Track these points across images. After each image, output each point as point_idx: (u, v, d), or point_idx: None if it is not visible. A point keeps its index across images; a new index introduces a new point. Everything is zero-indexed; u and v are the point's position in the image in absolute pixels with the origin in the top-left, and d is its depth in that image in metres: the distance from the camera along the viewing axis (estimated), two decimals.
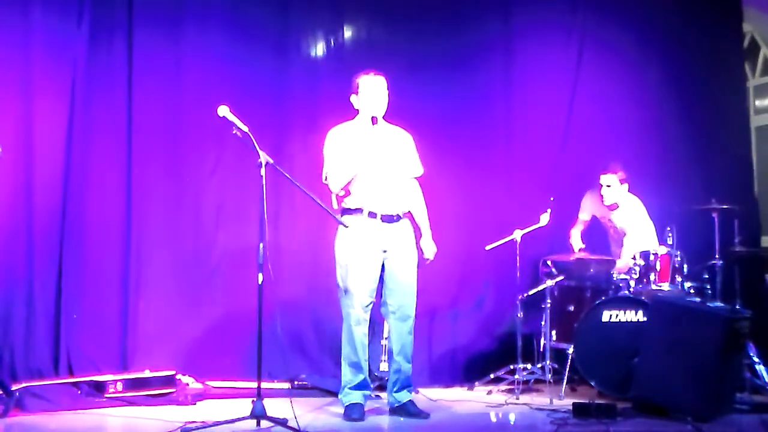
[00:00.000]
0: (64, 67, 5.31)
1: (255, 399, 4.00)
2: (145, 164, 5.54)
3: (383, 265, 4.59)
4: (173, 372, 5.16)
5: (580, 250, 5.77)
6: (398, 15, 6.13)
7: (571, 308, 5.61)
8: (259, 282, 4.04)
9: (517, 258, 5.36)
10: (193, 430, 3.98)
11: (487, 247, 5.50)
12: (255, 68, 5.81)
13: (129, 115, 5.50)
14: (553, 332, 5.53)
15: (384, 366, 5.34)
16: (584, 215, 5.94)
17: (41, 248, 5.21)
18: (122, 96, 5.49)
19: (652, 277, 5.30)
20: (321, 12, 6.05)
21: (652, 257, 5.31)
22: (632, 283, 5.33)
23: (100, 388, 4.87)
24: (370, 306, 4.59)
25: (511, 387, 5.36)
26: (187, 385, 5.25)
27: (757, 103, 7.01)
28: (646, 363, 4.73)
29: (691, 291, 5.34)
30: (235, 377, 5.35)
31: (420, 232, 4.80)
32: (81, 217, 5.36)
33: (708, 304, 4.87)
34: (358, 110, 4.68)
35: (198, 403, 4.91)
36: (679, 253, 5.33)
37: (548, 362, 5.40)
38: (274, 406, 4.18)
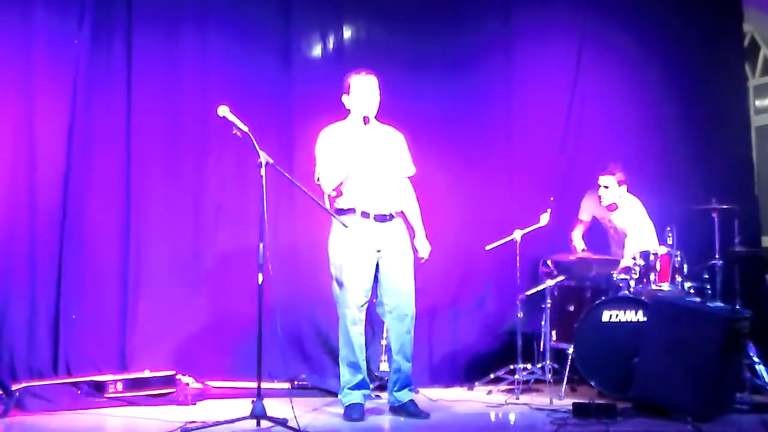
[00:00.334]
0: (65, 68, 5.31)
1: (255, 399, 4.00)
2: (145, 164, 5.54)
3: (378, 265, 4.59)
4: (173, 372, 5.17)
5: (582, 250, 5.78)
6: (398, 15, 6.13)
7: (571, 308, 5.61)
8: (259, 282, 4.04)
9: (517, 258, 5.36)
10: (193, 430, 3.98)
11: (487, 247, 5.50)
12: (255, 68, 5.81)
13: (128, 116, 5.49)
14: (553, 332, 5.53)
15: (384, 366, 5.34)
16: (584, 216, 5.94)
17: (42, 248, 5.21)
18: (122, 96, 5.49)
19: (652, 277, 5.30)
20: (321, 12, 6.05)
21: (652, 257, 5.31)
22: (632, 283, 5.32)
23: (100, 388, 4.88)
24: (366, 306, 4.59)
25: (511, 387, 5.37)
26: (187, 385, 5.25)
27: (757, 103, 7.01)
28: (646, 363, 4.72)
29: (691, 291, 5.34)
30: (235, 377, 5.35)
31: (413, 232, 4.80)
32: (81, 217, 5.36)
33: (708, 304, 4.87)
34: (349, 110, 4.68)
35: (198, 403, 4.92)
36: (679, 253, 5.33)
37: (548, 362, 5.40)
38: (274, 406, 4.18)
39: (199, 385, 5.29)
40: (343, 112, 4.71)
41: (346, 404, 4.54)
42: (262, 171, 4.11)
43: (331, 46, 6.06)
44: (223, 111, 4.08)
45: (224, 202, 5.71)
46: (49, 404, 4.59)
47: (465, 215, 6.06)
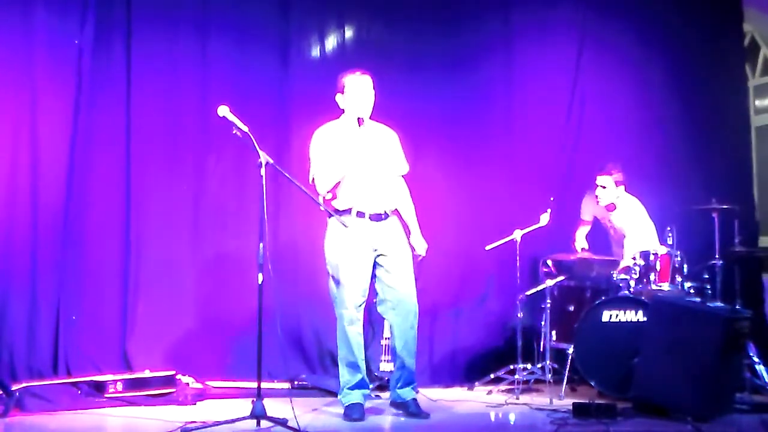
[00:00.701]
0: (66, 68, 5.31)
1: (255, 399, 4.00)
2: (145, 164, 5.53)
3: (375, 265, 4.59)
4: (173, 372, 5.16)
5: (582, 250, 5.77)
6: (398, 15, 6.13)
7: (571, 308, 5.61)
8: (259, 282, 4.04)
9: (517, 258, 5.36)
10: (193, 430, 3.98)
11: (487, 247, 5.50)
12: (254, 68, 5.81)
13: (128, 116, 5.49)
14: (553, 332, 5.52)
15: (384, 366, 5.34)
16: (586, 216, 5.94)
17: (42, 248, 5.21)
18: (122, 96, 5.49)
19: (652, 277, 5.29)
20: (321, 12, 6.05)
21: (652, 257, 5.30)
22: (632, 283, 5.32)
23: (100, 388, 4.88)
24: (363, 305, 4.59)
25: (511, 387, 5.37)
26: (187, 385, 5.25)
27: (757, 103, 7.02)
28: (646, 363, 4.72)
29: (691, 291, 5.33)
30: (235, 377, 5.35)
31: (408, 230, 4.80)
32: (81, 217, 5.36)
33: (708, 304, 4.87)
34: (343, 109, 4.67)
35: (198, 403, 4.92)
36: (679, 253, 5.33)
37: (548, 362, 5.40)
38: (274, 406, 4.18)
39: (199, 385, 5.29)
40: (340, 113, 4.71)
41: (346, 404, 4.54)
42: (262, 171, 4.11)
43: (330, 46, 6.06)
44: (223, 111, 4.08)
45: (224, 202, 5.71)
46: (49, 404, 4.59)
47: (465, 215, 6.06)
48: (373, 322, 5.36)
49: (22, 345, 5.09)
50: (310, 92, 5.78)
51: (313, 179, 4.58)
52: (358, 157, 4.54)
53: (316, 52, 6.03)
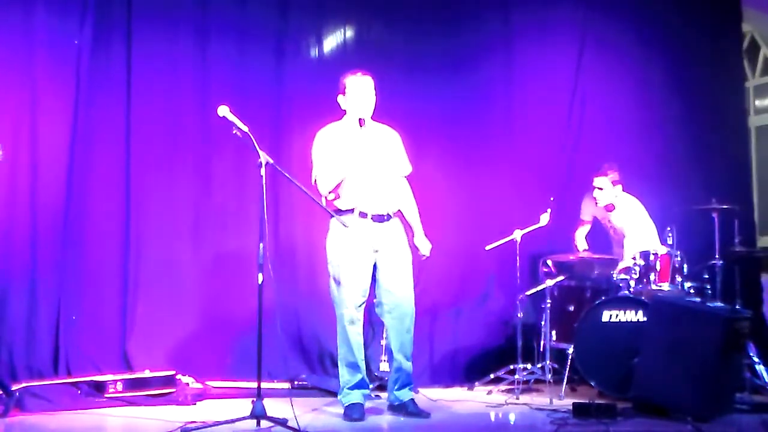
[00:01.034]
0: (66, 68, 5.31)
1: (255, 399, 4.00)
2: (145, 164, 5.53)
3: (375, 265, 4.59)
4: (173, 372, 5.16)
5: (583, 250, 5.78)
6: (398, 15, 6.14)
7: (571, 308, 5.61)
8: (259, 282, 4.04)
9: (517, 258, 5.36)
10: (193, 430, 3.98)
11: (487, 247, 5.50)
12: (254, 68, 5.82)
13: (128, 116, 5.49)
14: (553, 332, 5.53)
15: (384, 366, 5.34)
16: (586, 216, 5.94)
17: (42, 248, 5.21)
18: (122, 96, 5.49)
19: (652, 277, 5.29)
20: (320, 12, 6.05)
21: (652, 257, 5.30)
22: (632, 283, 5.32)
23: (100, 388, 4.87)
24: (364, 305, 4.59)
25: (511, 387, 5.37)
26: (187, 385, 5.25)
27: (757, 103, 7.03)
28: (646, 363, 4.72)
29: (691, 291, 5.34)
30: (235, 377, 5.35)
31: (411, 231, 4.80)
32: (81, 217, 5.36)
33: (708, 304, 4.87)
34: (345, 110, 4.67)
35: (198, 403, 4.92)
36: (679, 253, 5.33)
37: (548, 362, 5.40)
38: (274, 406, 4.18)
39: (199, 385, 5.29)
40: (343, 113, 4.71)
41: (346, 404, 4.54)
42: (262, 171, 4.10)
43: (330, 46, 6.06)
44: (223, 111, 4.08)
45: (224, 202, 5.71)
46: (49, 404, 4.59)
47: (465, 215, 6.07)
48: (373, 322, 5.36)
49: (22, 345, 5.09)
50: (309, 92, 5.79)
51: (316, 180, 4.58)
52: (360, 158, 4.54)
53: (315, 52, 6.03)
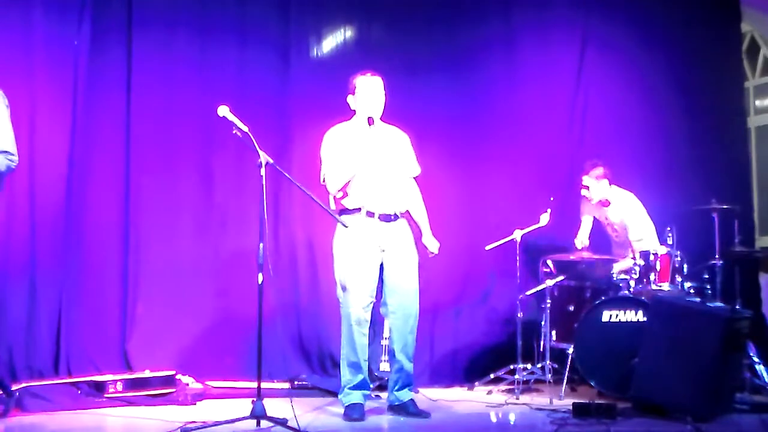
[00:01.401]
0: (65, 69, 5.31)
1: (255, 399, 4.00)
2: (145, 164, 5.53)
3: (382, 265, 4.59)
4: (173, 372, 5.16)
5: (583, 249, 5.78)
6: (399, 14, 6.14)
7: (571, 308, 5.61)
8: (259, 282, 4.04)
9: (517, 258, 5.36)
10: (193, 430, 3.98)
11: (487, 247, 5.50)
12: (254, 68, 5.82)
13: (127, 116, 5.49)
14: (553, 332, 5.53)
15: (384, 366, 5.34)
16: (585, 217, 5.94)
17: (42, 248, 5.21)
18: (121, 97, 5.49)
19: (652, 277, 5.30)
20: (321, 12, 6.05)
21: (652, 257, 5.31)
22: (632, 283, 5.33)
23: (100, 388, 4.87)
24: (370, 306, 4.58)
25: (511, 387, 5.37)
26: (187, 385, 5.25)
27: (757, 103, 7.03)
28: (646, 363, 4.72)
29: (691, 291, 5.34)
30: (235, 377, 5.35)
31: (419, 232, 4.79)
32: (81, 217, 5.36)
33: (708, 304, 4.87)
34: (354, 111, 4.68)
35: (198, 403, 4.91)
36: (679, 253, 5.33)
37: (548, 362, 5.40)
38: (274, 406, 4.17)
39: (199, 385, 5.28)
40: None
41: (346, 404, 4.54)
42: (262, 171, 4.10)
43: (331, 46, 6.06)
44: (223, 111, 4.08)
45: (224, 202, 5.71)
46: (49, 404, 4.58)
47: (466, 215, 6.07)
48: (373, 322, 5.34)
49: (22, 345, 5.09)
50: (309, 92, 5.79)
51: (324, 178, 4.59)
52: (369, 157, 4.54)
53: (315, 52, 6.03)
